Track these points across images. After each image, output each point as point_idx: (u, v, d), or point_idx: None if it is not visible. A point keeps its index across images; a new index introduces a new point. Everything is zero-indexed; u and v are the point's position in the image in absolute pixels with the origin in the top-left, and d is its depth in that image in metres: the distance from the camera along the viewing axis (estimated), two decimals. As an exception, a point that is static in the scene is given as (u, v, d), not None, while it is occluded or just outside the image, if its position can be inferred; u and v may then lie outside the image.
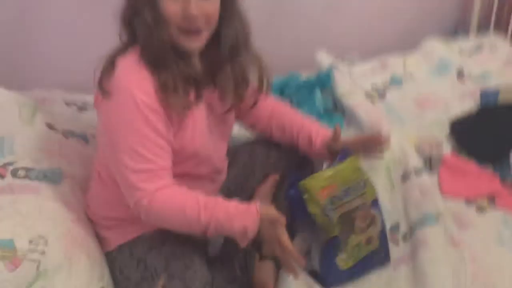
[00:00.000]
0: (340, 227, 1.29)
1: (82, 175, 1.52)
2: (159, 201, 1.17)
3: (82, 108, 1.91)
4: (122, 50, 1.21)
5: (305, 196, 1.29)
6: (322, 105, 1.98)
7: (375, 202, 1.38)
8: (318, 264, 1.32)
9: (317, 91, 2.00)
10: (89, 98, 1.89)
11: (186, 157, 1.26)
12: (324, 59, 2.21)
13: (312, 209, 1.28)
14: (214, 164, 1.39)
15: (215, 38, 1.25)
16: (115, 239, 1.35)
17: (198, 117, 1.27)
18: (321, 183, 1.29)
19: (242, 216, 1.16)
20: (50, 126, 1.58)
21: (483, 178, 1.64)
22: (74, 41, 2.04)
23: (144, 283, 1.25)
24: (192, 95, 1.23)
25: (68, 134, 1.61)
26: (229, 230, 1.17)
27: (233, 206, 1.18)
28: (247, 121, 1.54)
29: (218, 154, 1.40)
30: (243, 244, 1.19)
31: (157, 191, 1.17)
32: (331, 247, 1.30)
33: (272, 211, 1.18)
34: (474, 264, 1.31)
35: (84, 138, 1.65)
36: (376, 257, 1.37)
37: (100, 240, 1.38)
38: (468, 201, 1.57)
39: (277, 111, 1.52)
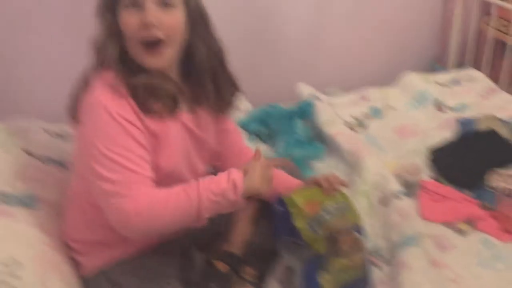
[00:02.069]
0: (325, 245, 1.27)
1: (58, 200, 1.50)
2: (144, 201, 1.13)
3: (60, 136, 1.89)
4: (92, 72, 1.21)
5: (292, 210, 1.28)
6: (303, 134, 1.99)
7: (357, 227, 1.37)
8: (300, 282, 1.29)
9: (297, 121, 2.02)
10: (68, 128, 1.89)
11: (162, 175, 1.23)
12: (305, 90, 2.24)
13: (299, 223, 1.27)
14: None
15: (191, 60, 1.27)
16: (91, 264, 1.32)
17: (175, 136, 1.27)
18: (305, 198, 1.28)
19: (225, 175, 1.19)
20: (28, 152, 1.57)
21: (463, 202, 1.64)
22: (54, 70, 2.06)
23: None
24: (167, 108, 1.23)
25: (45, 160, 1.60)
26: (220, 191, 1.16)
27: (212, 175, 1.21)
28: (215, 158, 1.51)
29: (195, 177, 1.39)
30: (236, 198, 1.18)
31: (139, 195, 1.14)
32: (315, 264, 1.27)
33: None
34: (455, 284, 1.29)
35: (61, 165, 1.64)
36: (359, 284, 1.34)
37: (75, 265, 1.35)
38: (448, 224, 1.57)
39: (246, 155, 1.51)
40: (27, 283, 1.16)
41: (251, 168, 1.22)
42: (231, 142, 1.50)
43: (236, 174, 1.19)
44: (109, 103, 1.14)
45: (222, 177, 1.19)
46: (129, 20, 1.16)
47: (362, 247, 1.34)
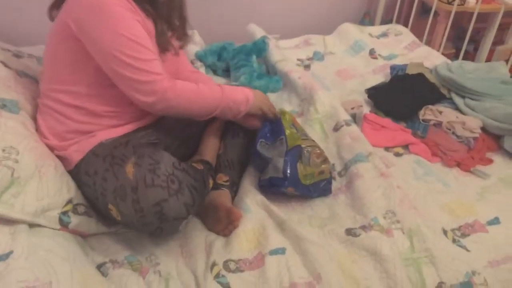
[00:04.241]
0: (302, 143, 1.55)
1: (34, 111, 1.53)
2: (179, 83, 1.33)
3: (18, 55, 1.87)
4: None
5: (282, 116, 1.60)
6: (258, 69, 2.15)
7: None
8: (281, 165, 1.48)
9: (253, 56, 2.17)
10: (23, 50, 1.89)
11: None
12: (257, 31, 2.39)
13: (285, 123, 1.57)
14: None
15: None
16: (75, 156, 1.39)
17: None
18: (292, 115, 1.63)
19: (240, 89, 1.49)
20: (5, 64, 1.58)
21: (398, 131, 1.91)
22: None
23: (115, 167, 1.28)
24: None
25: (21, 74, 1.62)
26: (237, 101, 1.44)
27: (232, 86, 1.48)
28: None
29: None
30: (245, 110, 1.48)
31: (167, 76, 1.32)
32: (295, 152, 1.52)
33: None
34: (399, 191, 1.55)
35: (35, 80, 1.67)
36: (324, 186, 1.58)
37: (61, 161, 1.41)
38: (387, 148, 1.83)
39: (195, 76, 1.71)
40: (24, 167, 1.25)
41: (256, 93, 1.52)
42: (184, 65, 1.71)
43: (249, 92, 1.47)
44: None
45: (238, 90, 1.45)
46: None
47: (328, 161, 1.60)
